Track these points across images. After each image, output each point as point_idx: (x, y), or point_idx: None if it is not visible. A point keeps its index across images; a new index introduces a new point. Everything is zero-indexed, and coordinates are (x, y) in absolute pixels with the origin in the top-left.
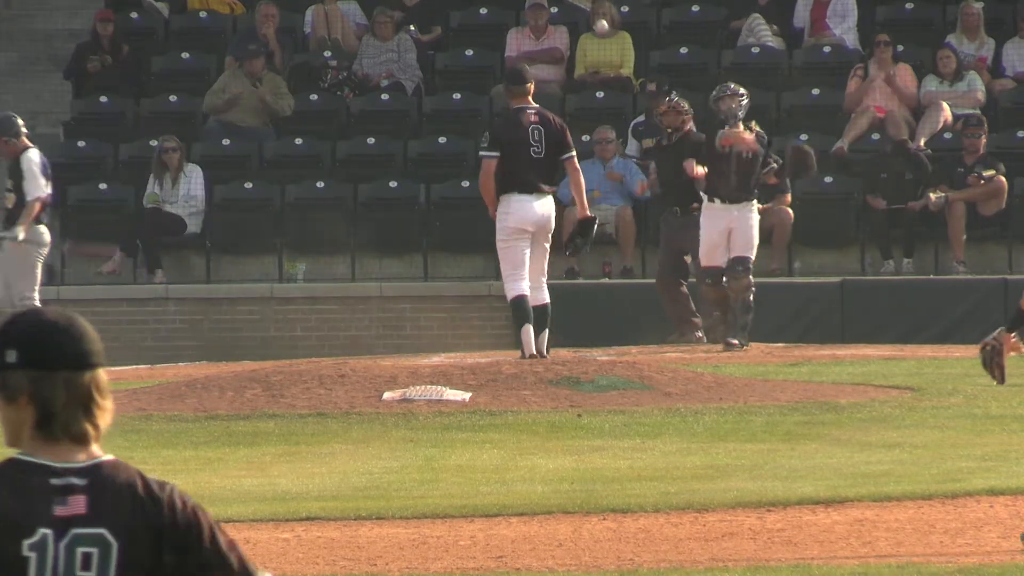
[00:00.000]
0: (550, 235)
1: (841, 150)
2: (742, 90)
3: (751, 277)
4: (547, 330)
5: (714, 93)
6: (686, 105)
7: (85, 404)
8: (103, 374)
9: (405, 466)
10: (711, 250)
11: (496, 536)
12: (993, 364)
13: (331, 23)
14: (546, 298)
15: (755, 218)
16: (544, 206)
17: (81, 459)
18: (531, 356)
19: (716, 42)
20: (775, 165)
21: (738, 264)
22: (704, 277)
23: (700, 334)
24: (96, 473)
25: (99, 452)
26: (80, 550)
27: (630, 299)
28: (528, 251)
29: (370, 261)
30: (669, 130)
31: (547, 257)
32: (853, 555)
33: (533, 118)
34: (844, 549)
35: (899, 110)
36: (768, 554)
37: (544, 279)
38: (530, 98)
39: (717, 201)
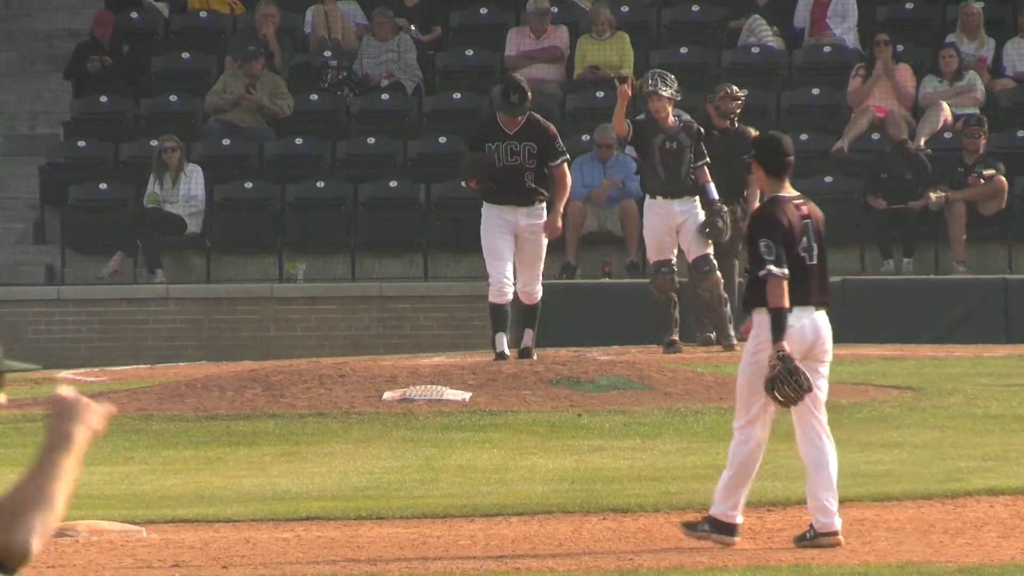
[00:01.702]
0: None
1: (841, 150)
2: (665, 93)
3: (718, 272)
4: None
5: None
6: (740, 91)
7: None
8: None
9: (405, 466)
10: (659, 246)
11: (496, 536)
12: (801, 378)
13: (331, 23)
14: None
15: (701, 213)
16: None
17: None
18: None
19: (716, 42)
20: (707, 160)
21: (703, 264)
22: (659, 267)
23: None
24: None
25: None
26: None
27: (630, 299)
28: None
29: (370, 261)
30: (732, 116)
31: None
32: (853, 555)
33: None
34: (844, 549)
35: (899, 110)
36: (768, 554)
37: None
38: None
39: (659, 198)
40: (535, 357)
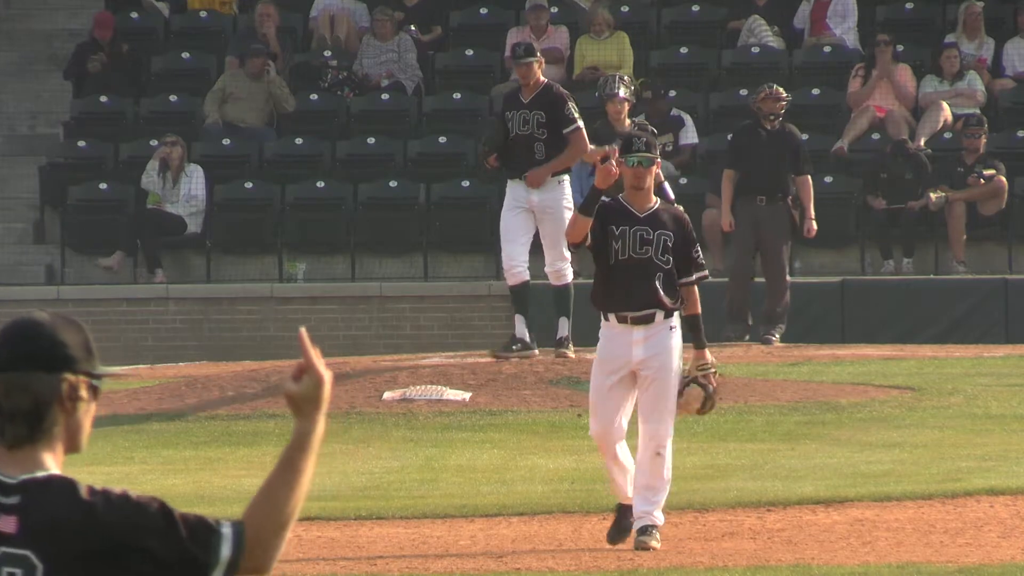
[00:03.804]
0: None
1: (841, 150)
2: (622, 93)
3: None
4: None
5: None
6: (783, 92)
7: (32, 410)
8: (79, 381)
9: (405, 466)
10: None
11: (496, 536)
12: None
13: (336, 23)
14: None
15: None
16: None
17: (16, 472)
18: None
19: (716, 42)
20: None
21: None
22: None
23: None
24: (28, 491)
25: (45, 464)
26: (6, 570)
27: None
28: None
29: (370, 261)
30: (772, 116)
31: None
32: (853, 555)
33: None
34: (844, 549)
35: (899, 110)
36: (768, 554)
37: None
38: None
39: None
40: (570, 348)
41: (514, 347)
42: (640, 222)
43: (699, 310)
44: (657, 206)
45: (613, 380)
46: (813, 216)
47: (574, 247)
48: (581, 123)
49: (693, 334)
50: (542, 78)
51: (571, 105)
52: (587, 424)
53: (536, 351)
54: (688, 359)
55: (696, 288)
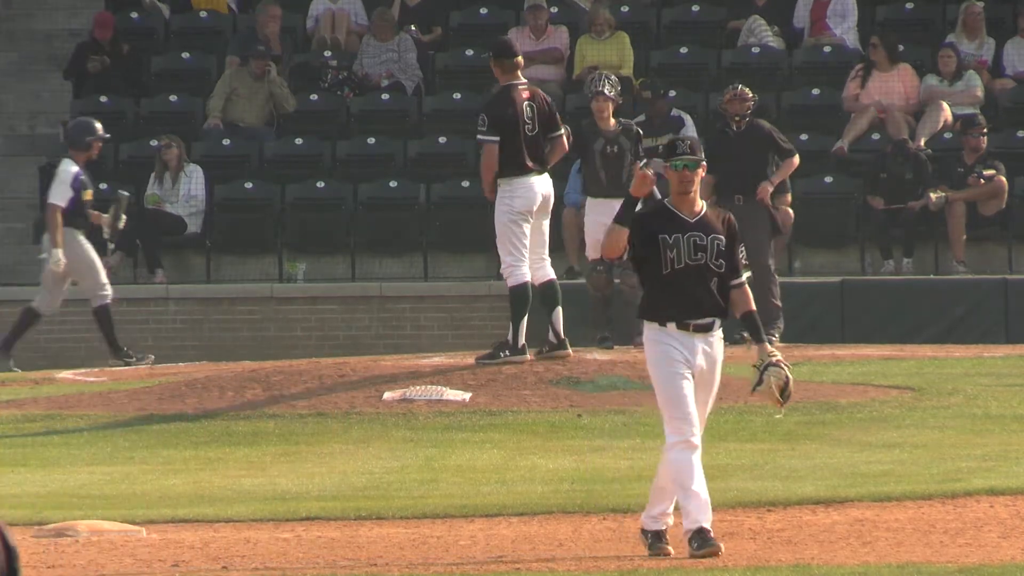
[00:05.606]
0: (549, 213)
1: (841, 150)
2: (609, 93)
3: (606, 275)
4: (560, 307)
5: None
6: (750, 92)
7: None
8: None
9: (405, 466)
10: (596, 244)
11: (496, 536)
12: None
13: (337, 23)
14: (552, 274)
15: None
16: (543, 185)
17: None
18: (523, 347)
19: (716, 42)
20: (645, 160)
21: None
22: (595, 266)
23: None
24: None
25: None
26: None
27: (631, 299)
28: (528, 235)
29: (370, 261)
30: (737, 117)
31: (547, 234)
32: (853, 555)
33: (525, 94)
34: (844, 549)
35: (899, 110)
36: (768, 554)
37: (547, 255)
38: (519, 73)
39: (600, 198)
40: (518, 354)
41: (502, 353)
42: (692, 228)
43: (754, 307)
44: (705, 210)
45: (684, 374)
46: (775, 183)
47: (614, 260)
48: (488, 138)
49: (752, 331)
50: (518, 75)
51: (482, 116)
52: (587, 424)
53: (528, 356)
54: (754, 353)
55: (747, 286)
